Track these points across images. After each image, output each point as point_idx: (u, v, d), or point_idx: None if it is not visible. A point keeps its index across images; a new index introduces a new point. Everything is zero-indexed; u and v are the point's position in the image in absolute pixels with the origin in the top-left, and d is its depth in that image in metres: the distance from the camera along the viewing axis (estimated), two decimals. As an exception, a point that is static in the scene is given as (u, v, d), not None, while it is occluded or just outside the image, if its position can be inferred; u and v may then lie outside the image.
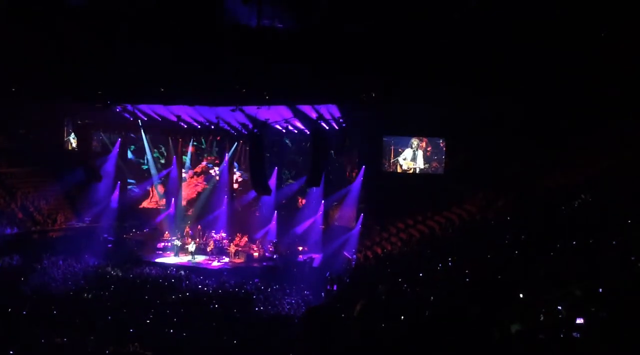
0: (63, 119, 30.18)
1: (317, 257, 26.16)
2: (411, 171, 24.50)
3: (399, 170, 24.68)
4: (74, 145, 30.29)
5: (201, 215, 30.27)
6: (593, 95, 17.33)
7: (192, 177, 31.31)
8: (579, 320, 8.54)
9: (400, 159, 24.63)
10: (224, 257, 26.52)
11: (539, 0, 14.01)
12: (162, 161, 31.25)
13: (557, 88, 17.62)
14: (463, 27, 15.10)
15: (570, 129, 18.74)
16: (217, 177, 30.71)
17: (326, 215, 27.82)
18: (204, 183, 31.12)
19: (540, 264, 12.70)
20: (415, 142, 24.48)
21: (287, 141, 28.70)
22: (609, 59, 15.54)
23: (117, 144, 30.63)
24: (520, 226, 16.55)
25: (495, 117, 20.10)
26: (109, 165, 30.45)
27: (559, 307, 9.57)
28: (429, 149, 24.30)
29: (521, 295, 11.04)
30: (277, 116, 24.49)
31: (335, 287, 20.05)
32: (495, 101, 19.29)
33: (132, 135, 30.66)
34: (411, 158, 24.48)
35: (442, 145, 24.13)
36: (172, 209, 30.50)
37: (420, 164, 24.37)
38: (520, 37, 15.17)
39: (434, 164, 24.21)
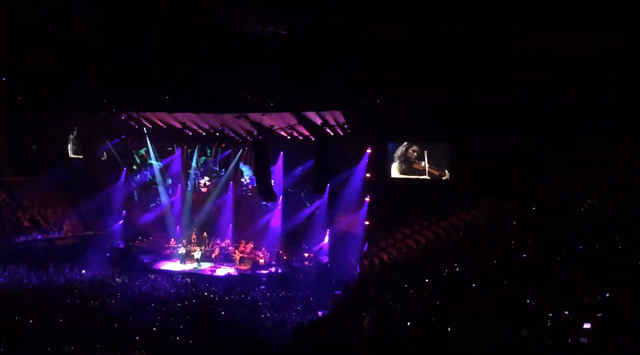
0: (68, 127, 30.29)
1: (323, 264, 26.13)
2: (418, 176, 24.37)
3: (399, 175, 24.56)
4: (79, 153, 30.36)
5: (207, 222, 30.24)
6: (601, 99, 17.29)
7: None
8: (586, 325, 8.53)
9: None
10: (229, 264, 26.54)
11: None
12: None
13: (564, 91, 17.59)
14: (466, 31, 15.14)
15: (577, 134, 18.68)
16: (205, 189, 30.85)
17: (332, 222, 27.76)
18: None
19: (547, 270, 12.69)
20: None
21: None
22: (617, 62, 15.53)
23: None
24: (526, 231, 16.52)
25: (501, 122, 20.06)
26: (115, 174, 30.58)
27: (566, 313, 9.57)
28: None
29: (528, 301, 11.04)
30: (282, 123, 24.51)
31: (341, 294, 20.02)
32: (501, 105, 19.26)
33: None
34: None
35: (447, 150, 24.00)
36: (177, 216, 30.52)
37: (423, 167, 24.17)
38: (524, 39, 15.18)
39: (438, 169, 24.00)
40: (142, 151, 30.83)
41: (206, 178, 30.81)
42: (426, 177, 23.92)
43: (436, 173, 23.81)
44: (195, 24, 16.51)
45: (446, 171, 23.62)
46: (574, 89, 17.40)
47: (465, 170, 22.42)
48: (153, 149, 30.34)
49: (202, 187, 30.84)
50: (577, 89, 17.31)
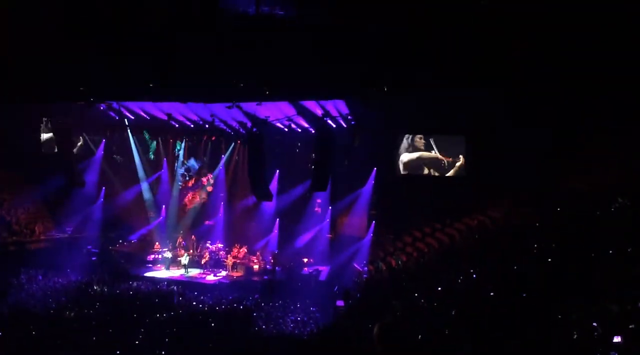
0: (41, 119, 30.27)
1: (324, 270, 26.17)
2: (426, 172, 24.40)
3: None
4: (54, 148, 30.32)
5: (195, 224, 30.28)
6: (629, 89, 17.31)
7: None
8: (617, 339, 8.50)
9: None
10: (220, 270, 26.58)
11: None
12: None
13: (589, 82, 17.58)
14: (483, 20, 15.15)
15: (606, 125, 18.69)
16: (209, 188, 30.83)
17: (333, 223, 27.81)
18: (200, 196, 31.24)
19: (573, 276, 12.67)
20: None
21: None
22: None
23: (102, 146, 30.75)
24: (550, 234, 16.50)
25: (521, 113, 20.06)
26: (93, 170, 30.58)
27: (594, 324, 9.54)
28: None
29: (552, 311, 11.02)
30: (279, 113, 24.52)
31: (344, 303, 20.05)
32: (520, 96, 19.26)
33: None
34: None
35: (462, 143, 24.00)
36: (162, 217, 30.56)
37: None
38: (545, 29, 15.18)
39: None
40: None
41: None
42: (436, 172, 23.96)
43: (449, 159, 23.80)
44: (183, 2, 16.47)
45: (461, 157, 23.61)
46: (605, 82, 17.42)
47: (482, 166, 22.41)
48: (135, 143, 30.37)
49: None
50: (608, 82, 17.34)
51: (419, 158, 24.26)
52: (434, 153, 23.98)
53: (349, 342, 13.60)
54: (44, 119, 30.21)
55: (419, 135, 24.15)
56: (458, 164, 23.64)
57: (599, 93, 17.96)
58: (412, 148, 24.19)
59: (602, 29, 14.86)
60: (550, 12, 14.42)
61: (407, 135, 24.29)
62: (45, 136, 30.57)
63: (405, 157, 24.39)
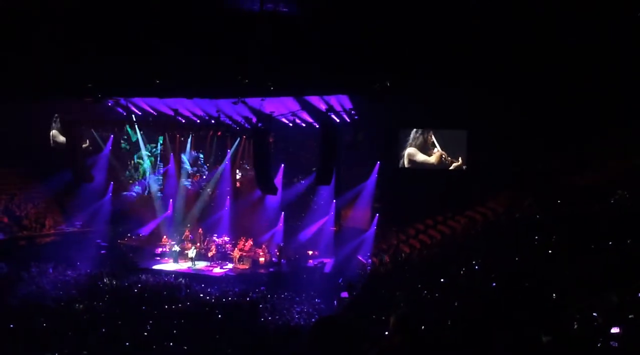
0: (50, 115, 30.29)
1: (329, 262, 26.15)
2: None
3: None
4: (63, 143, 30.34)
5: (202, 217, 30.28)
6: (629, 84, 17.24)
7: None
8: (615, 330, 8.49)
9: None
10: (227, 263, 26.58)
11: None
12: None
13: (589, 76, 17.52)
14: (486, 16, 15.11)
15: (605, 119, 18.64)
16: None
17: (338, 216, 27.78)
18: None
19: (573, 267, 12.65)
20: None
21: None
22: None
23: (110, 142, 30.78)
24: (550, 226, 16.47)
25: (523, 108, 20.00)
26: (101, 165, 30.62)
27: (595, 315, 9.52)
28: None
29: (553, 302, 11.00)
30: (283, 109, 24.48)
31: (348, 295, 20.05)
32: (522, 90, 19.20)
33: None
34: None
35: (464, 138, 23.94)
36: (170, 211, 30.58)
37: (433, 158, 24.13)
38: (544, 22, 15.13)
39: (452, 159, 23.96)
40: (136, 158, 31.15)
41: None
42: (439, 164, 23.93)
43: (450, 160, 23.78)
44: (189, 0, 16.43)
45: (460, 159, 23.58)
46: (603, 77, 17.37)
47: (483, 159, 22.37)
48: (143, 139, 30.41)
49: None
50: (607, 77, 17.29)
51: (423, 162, 24.25)
52: (437, 151, 23.91)
53: (352, 331, 13.58)
54: (55, 115, 30.22)
55: (430, 133, 24.10)
56: (455, 164, 23.61)
57: (599, 90, 17.92)
58: (423, 146, 24.16)
59: (603, 28, 14.84)
60: (550, 11, 14.39)
61: (416, 130, 24.24)
62: (55, 133, 30.58)
63: (412, 154, 24.33)
